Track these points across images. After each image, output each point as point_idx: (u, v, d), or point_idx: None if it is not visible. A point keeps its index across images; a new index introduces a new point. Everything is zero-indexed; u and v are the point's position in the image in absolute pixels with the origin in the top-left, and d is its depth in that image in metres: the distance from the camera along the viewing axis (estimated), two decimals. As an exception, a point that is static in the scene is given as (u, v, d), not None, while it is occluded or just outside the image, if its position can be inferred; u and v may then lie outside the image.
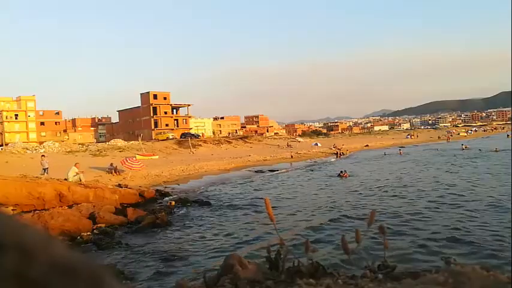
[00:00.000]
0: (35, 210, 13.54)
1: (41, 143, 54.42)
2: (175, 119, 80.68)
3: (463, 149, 46.42)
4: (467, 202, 15.23)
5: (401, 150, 48.84)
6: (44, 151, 38.11)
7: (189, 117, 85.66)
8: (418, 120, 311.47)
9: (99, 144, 51.73)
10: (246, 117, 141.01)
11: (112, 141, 53.65)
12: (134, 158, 28.44)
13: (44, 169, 22.01)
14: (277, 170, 32.33)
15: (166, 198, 18.55)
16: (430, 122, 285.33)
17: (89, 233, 12.06)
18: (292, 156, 44.51)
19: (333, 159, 43.36)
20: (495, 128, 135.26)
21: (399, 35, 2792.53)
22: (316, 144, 57.83)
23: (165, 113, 78.84)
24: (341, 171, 26.48)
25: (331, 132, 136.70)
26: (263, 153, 46.05)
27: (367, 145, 65.18)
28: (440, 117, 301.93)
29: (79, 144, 51.99)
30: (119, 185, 18.85)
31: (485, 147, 45.74)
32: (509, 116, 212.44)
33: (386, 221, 11.83)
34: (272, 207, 2.03)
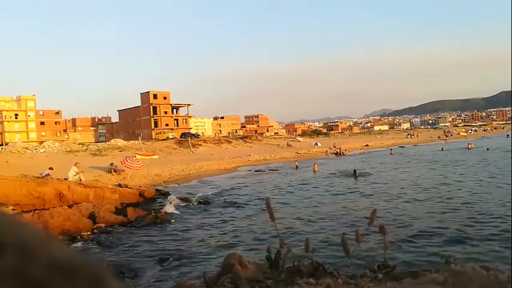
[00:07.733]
0: (35, 209, 13.54)
1: (41, 142, 54.41)
2: (175, 119, 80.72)
3: (469, 148, 47.22)
4: (476, 201, 15.24)
5: (392, 150, 48.57)
6: (44, 151, 38.15)
7: (189, 117, 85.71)
8: (418, 120, 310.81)
9: (99, 144, 51.70)
10: (246, 117, 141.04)
11: (112, 141, 53.64)
12: (134, 158, 28.41)
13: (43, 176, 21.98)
14: (277, 170, 32.34)
15: (167, 197, 18.53)
16: (430, 121, 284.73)
17: (89, 232, 12.07)
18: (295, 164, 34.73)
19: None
20: (495, 128, 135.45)
21: (399, 35, 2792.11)
22: (316, 144, 57.86)
23: (165, 112, 78.87)
24: (354, 170, 25.97)
25: (331, 131, 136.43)
26: (263, 153, 46.12)
27: (367, 145, 65.17)
28: (440, 117, 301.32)
29: (79, 143, 51.95)
30: (119, 185, 18.83)
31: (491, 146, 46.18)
32: (509, 115, 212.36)
33: (387, 220, 11.84)
34: (274, 207, 2.03)
